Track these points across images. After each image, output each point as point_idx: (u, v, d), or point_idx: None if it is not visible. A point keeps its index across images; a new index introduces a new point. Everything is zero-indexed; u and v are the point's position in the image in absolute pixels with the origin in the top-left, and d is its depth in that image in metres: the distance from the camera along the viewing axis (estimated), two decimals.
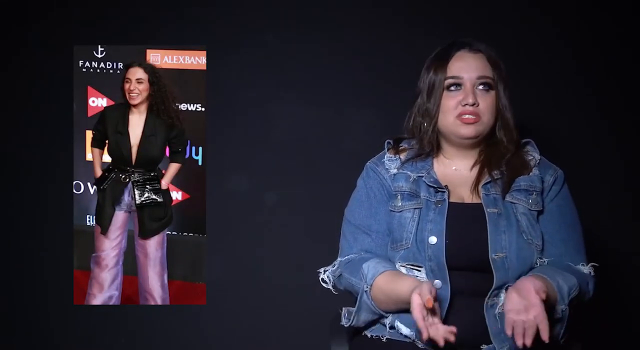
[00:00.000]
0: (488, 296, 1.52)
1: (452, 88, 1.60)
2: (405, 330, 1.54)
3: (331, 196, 2.01)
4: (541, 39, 2.46)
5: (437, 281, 1.52)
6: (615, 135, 2.46)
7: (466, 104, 1.58)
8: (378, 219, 1.63)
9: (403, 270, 1.56)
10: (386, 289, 1.51)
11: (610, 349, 2.36)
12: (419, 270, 1.55)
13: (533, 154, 1.65)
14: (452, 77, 1.60)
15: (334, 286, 1.66)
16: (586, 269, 1.58)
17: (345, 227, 1.68)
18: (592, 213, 2.05)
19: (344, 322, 1.62)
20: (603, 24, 2.45)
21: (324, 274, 1.66)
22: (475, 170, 1.63)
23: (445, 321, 1.49)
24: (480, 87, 1.60)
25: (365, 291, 1.54)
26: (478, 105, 1.58)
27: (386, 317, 1.57)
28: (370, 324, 1.61)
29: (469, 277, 1.52)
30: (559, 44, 2.46)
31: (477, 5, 2.46)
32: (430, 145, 1.64)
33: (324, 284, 1.66)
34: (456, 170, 1.65)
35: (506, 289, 1.51)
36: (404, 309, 1.49)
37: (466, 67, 1.60)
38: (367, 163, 1.70)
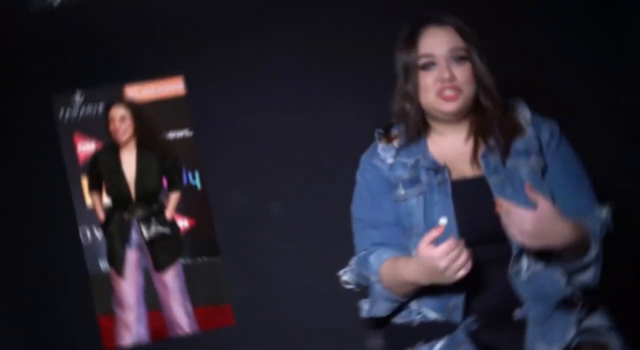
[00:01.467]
0: (511, 264, 1.51)
1: (427, 66, 1.59)
2: (432, 314, 1.54)
3: (336, 197, 1.98)
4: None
5: (441, 220, 1.46)
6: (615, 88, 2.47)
7: (443, 79, 1.56)
8: (383, 210, 1.61)
9: None
10: (390, 274, 1.51)
11: None
12: None
13: (524, 113, 1.63)
14: (424, 56, 1.58)
15: (357, 284, 1.66)
16: (603, 213, 1.54)
17: (354, 225, 1.67)
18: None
19: (364, 313, 1.62)
20: None
21: (344, 275, 1.66)
22: (470, 142, 1.62)
23: (472, 293, 1.50)
24: (454, 59, 1.58)
25: (376, 282, 1.55)
26: (456, 79, 1.57)
27: (408, 303, 1.57)
28: (397, 310, 1.60)
29: (486, 250, 1.50)
30: None
31: None
32: (416, 127, 1.63)
33: (346, 286, 1.66)
34: (452, 145, 1.63)
35: (526, 254, 1.50)
36: (418, 289, 1.49)
37: (436, 42, 1.58)
38: (362, 157, 1.69)
